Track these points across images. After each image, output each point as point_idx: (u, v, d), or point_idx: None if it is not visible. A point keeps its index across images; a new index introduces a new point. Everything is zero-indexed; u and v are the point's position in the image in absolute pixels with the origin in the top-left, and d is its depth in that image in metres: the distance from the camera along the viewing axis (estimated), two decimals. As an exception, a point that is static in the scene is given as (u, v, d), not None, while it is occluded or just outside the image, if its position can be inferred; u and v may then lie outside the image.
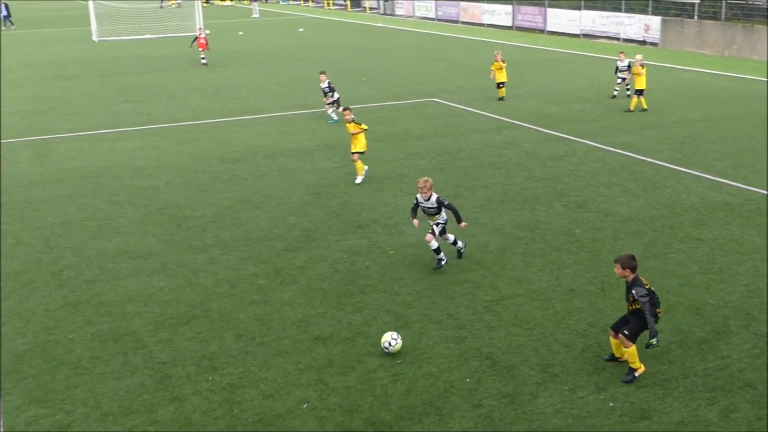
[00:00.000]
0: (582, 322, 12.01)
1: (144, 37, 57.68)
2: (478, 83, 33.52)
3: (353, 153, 19.47)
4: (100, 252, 15.25)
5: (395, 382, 10.48)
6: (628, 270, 10.13)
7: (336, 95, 26.63)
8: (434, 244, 13.88)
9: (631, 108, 27.31)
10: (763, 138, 23.16)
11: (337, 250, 15.14)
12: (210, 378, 10.66)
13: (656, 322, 10.25)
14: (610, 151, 22.16)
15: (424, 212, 13.93)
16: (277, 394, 10.26)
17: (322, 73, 26.89)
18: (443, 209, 13.80)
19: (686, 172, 19.77)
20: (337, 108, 26.34)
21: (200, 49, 41.70)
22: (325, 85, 26.54)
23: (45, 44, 54.49)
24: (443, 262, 14.03)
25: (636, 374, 10.33)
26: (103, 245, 15.60)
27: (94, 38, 56.48)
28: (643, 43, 48.33)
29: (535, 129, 25.12)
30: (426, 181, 13.64)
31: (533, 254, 14.75)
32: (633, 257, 10.19)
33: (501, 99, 29.77)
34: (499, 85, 29.91)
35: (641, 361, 10.45)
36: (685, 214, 16.68)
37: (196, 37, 42.28)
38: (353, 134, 19.35)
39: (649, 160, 21.07)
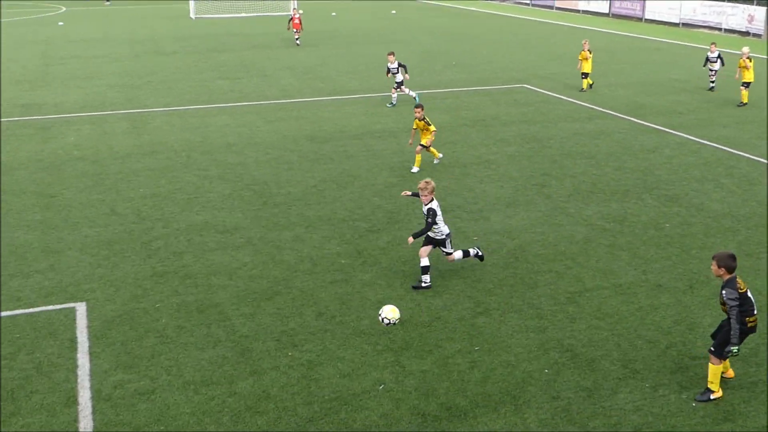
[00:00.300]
0: (667, 319, 11.72)
1: (239, 15, 58.58)
2: (571, 71, 32.88)
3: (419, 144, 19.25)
4: (189, 225, 15.61)
5: (472, 368, 10.44)
6: (723, 269, 9.45)
7: (400, 78, 26.24)
8: (425, 261, 12.59)
9: (744, 101, 26.41)
10: None
11: (419, 234, 15.11)
12: (289, 354, 10.81)
13: (749, 331, 9.51)
14: (705, 144, 21.49)
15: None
16: (354, 373, 10.34)
17: (391, 54, 26.62)
18: (437, 221, 12.54)
19: (785, 170, 19.04)
20: (398, 90, 26.35)
21: (294, 30, 42.09)
22: (394, 65, 26.24)
23: (144, 20, 55.90)
24: (424, 285, 12.67)
25: (711, 397, 9.62)
26: (192, 218, 15.96)
27: (192, 15, 57.65)
28: (746, 34, 46.60)
29: (628, 119, 24.54)
30: (428, 183, 12.38)
31: (620, 247, 14.44)
32: (733, 256, 9.46)
33: (583, 90, 29.06)
34: (584, 75, 29.29)
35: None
36: (782, 213, 16.08)
37: (291, 18, 42.69)
38: (419, 130, 19.15)
39: (747, 155, 20.35)
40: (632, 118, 24.61)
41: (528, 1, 68.60)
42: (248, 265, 13.71)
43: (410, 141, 19.84)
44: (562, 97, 28.09)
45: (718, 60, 28.41)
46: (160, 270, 13.50)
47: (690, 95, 28.22)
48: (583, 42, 29.63)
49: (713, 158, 20.08)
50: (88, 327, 11.52)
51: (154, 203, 16.88)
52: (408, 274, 13.29)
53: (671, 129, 23.17)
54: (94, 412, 9.48)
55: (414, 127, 19.34)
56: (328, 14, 60.02)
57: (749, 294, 9.59)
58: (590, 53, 29.06)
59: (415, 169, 19.13)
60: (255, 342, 11.13)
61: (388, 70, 26.54)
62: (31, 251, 14.30)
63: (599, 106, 26.38)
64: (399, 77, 26.28)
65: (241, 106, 26.75)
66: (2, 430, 9.14)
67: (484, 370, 10.40)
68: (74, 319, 11.76)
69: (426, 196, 12.38)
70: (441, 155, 19.81)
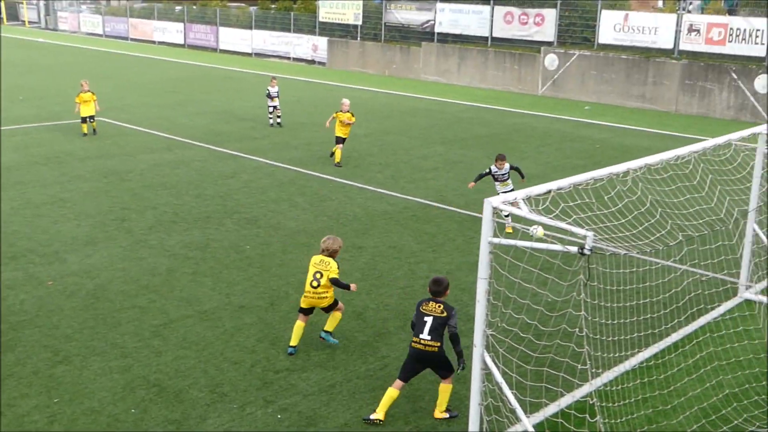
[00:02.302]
0: (251, 338, 12.03)
1: None
2: (148, 101, 32.67)
3: None
4: None
5: (52, 422, 9.73)
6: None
7: None
8: None
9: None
10: (417, 151, 25.03)
11: (-13, 285, 13.83)
12: None
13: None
14: (279, 166, 22.59)
15: None
16: None
17: None
18: None
19: (350, 185, 20.71)
20: None
21: None
22: None
23: None
24: None
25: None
26: None
27: None
28: (312, 62, 50.14)
29: (207, 147, 24.95)
30: None
31: (203, 273, 14.55)
32: (434, 281, 9.96)
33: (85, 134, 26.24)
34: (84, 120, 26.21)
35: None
36: (349, 224, 17.43)
37: None
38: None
39: (317, 174, 21.78)
40: (210, 146, 25.07)
41: (101, 32, 66.81)
42: None
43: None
44: (139, 128, 27.70)
45: (277, 97, 28.10)
46: None
47: (264, 121, 29.42)
48: (82, 83, 26.81)
49: (287, 179, 21.18)
50: None
51: None
52: (-26, 331, 12.06)
53: (248, 154, 24.02)
54: None
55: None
56: None
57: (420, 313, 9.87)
58: (91, 93, 26.29)
59: None
60: None
61: None
62: None
63: (178, 136, 26.46)
64: None
65: None
66: None
67: (65, 423, 9.74)
68: None
69: None
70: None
